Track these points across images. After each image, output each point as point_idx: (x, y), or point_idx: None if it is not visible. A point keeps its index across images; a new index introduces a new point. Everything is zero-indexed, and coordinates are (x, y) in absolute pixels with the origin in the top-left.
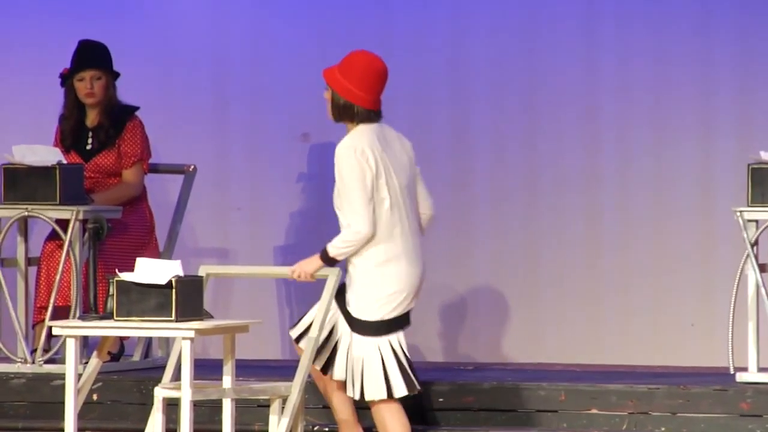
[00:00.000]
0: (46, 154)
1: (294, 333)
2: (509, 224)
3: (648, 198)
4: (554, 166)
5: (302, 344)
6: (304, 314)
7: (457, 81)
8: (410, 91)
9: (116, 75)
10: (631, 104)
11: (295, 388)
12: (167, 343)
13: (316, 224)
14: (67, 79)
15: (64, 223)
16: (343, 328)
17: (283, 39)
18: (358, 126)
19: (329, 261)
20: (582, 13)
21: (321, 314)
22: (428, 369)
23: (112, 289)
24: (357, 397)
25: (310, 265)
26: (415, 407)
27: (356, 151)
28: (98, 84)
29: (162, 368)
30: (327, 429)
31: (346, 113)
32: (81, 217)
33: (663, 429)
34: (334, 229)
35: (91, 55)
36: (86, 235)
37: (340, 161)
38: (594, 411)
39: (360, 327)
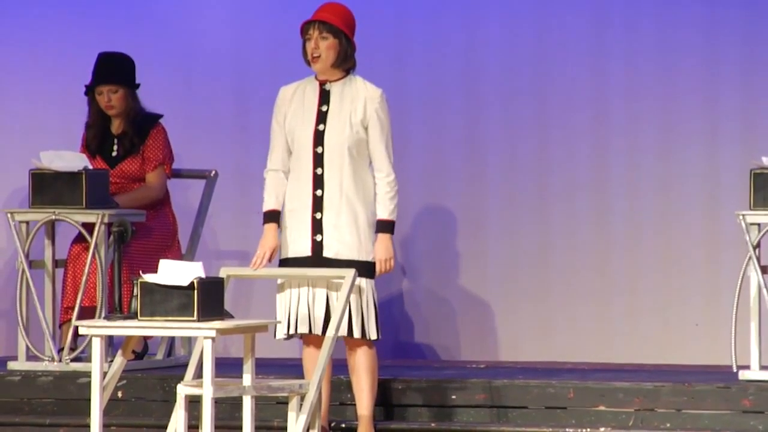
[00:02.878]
0: (73, 160)
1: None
2: (521, 226)
3: (655, 201)
4: (564, 170)
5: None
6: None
7: (470, 88)
8: (425, 98)
9: (135, 86)
10: (639, 110)
11: (313, 386)
12: (189, 342)
13: None
14: (89, 91)
15: (89, 227)
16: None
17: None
18: (353, 74)
19: (392, 227)
20: (591, 22)
21: (339, 313)
22: (441, 367)
23: (136, 290)
24: (375, 336)
25: (389, 249)
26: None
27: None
28: (116, 97)
29: (184, 366)
30: (343, 425)
31: (350, 59)
32: (106, 220)
33: (668, 425)
34: None
35: (108, 70)
36: (111, 238)
37: (387, 111)
38: (601, 408)
39: (368, 270)
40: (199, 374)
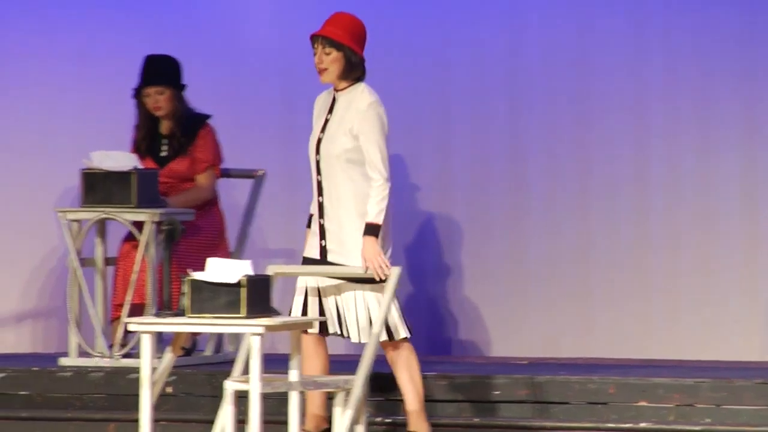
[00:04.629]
0: (123, 160)
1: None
2: (562, 225)
3: (694, 201)
4: (604, 170)
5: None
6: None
7: (512, 89)
8: (469, 100)
9: (182, 87)
10: (678, 111)
11: (358, 382)
12: (237, 338)
13: None
14: (137, 93)
15: (139, 225)
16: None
17: None
18: (362, 83)
19: (377, 230)
20: (630, 25)
21: (384, 312)
22: (484, 363)
23: (185, 288)
24: (406, 334)
25: (371, 250)
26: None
27: (382, 106)
28: (162, 98)
29: (232, 362)
30: (389, 420)
31: (358, 69)
32: (156, 219)
33: (708, 420)
34: (396, 233)
35: (154, 72)
36: (161, 236)
37: (371, 114)
38: (642, 403)
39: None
40: (246, 370)
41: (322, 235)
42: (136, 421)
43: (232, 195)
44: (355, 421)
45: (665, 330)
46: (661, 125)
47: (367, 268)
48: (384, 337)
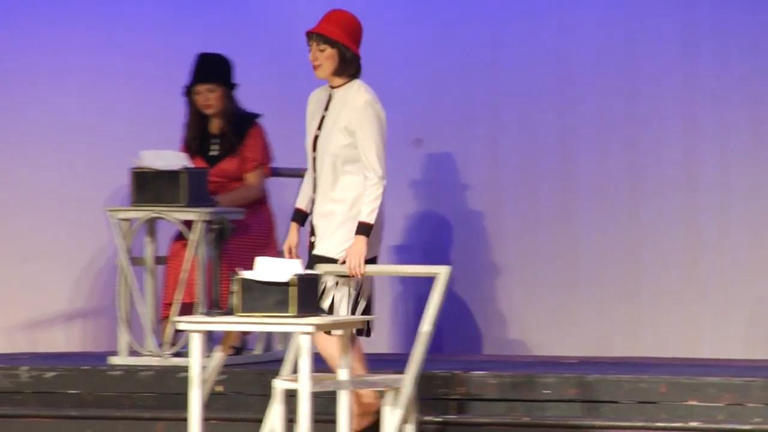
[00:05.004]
0: (173, 159)
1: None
2: (612, 224)
3: (744, 201)
4: (655, 170)
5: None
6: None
7: (562, 88)
8: (518, 99)
9: (233, 86)
10: (729, 111)
11: (408, 380)
12: (286, 337)
13: (428, 226)
14: (187, 91)
15: (189, 224)
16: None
17: (396, 46)
18: (358, 80)
19: (369, 229)
20: (681, 24)
21: (433, 310)
22: (534, 362)
23: (235, 287)
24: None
25: (357, 251)
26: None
27: (379, 103)
28: (213, 96)
29: (281, 361)
30: (439, 419)
31: (352, 65)
32: (205, 218)
33: (758, 420)
34: (446, 231)
35: (205, 70)
36: (210, 235)
37: (368, 112)
38: (693, 402)
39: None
40: (295, 369)
41: (312, 231)
42: (185, 420)
43: (282, 194)
44: (404, 420)
45: (715, 329)
46: (711, 125)
47: (344, 262)
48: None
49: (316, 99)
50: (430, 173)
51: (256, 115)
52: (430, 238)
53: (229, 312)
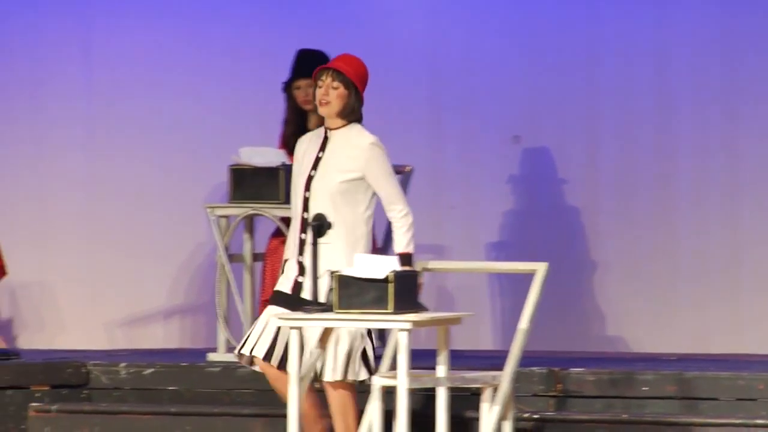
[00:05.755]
0: (271, 156)
1: (247, 350)
2: (711, 222)
3: None
4: (754, 166)
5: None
6: (250, 333)
7: (660, 85)
8: (616, 95)
9: None
10: None
11: (506, 377)
12: (384, 334)
13: (525, 223)
14: (287, 87)
15: (287, 221)
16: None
17: (494, 45)
18: (358, 124)
19: (410, 258)
20: None
21: (531, 307)
22: (633, 359)
23: (333, 283)
24: (363, 377)
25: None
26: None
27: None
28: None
29: (379, 358)
30: (537, 416)
31: (355, 113)
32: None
33: None
34: (542, 228)
35: (306, 65)
36: (309, 232)
37: (375, 151)
38: None
39: None
40: (393, 366)
41: (301, 271)
42: (284, 416)
43: None
44: (502, 417)
45: None
46: None
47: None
48: (335, 375)
49: (307, 141)
50: (528, 169)
51: None
52: (527, 234)
53: (327, 308)
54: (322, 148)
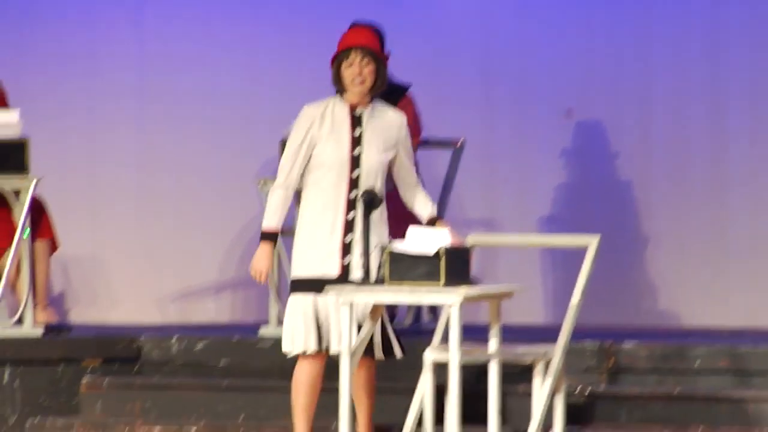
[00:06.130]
0: None
1: (299, 348)
2: (764, 197)
3: None
4: None
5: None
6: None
7: (714, 59)
8: (671, 68)
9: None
10: None
11: (557, 352)
12: (436, 308)
13: (577, 197)
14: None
15: None
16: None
17: (546, 19)
18: (377, 97)
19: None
20: None
21: (583, 281)
22: (685, 333)
23: (385, 258)
24: (400, 354)
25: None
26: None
27: None
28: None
29: (431, 332)
30: (588, 391)
31: (385, 83)
32: None
33: None
34: (595, 202)
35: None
36: (359, 205)
37: (406, 127)
38: None
39: None
40: (445, 340)
41: (347, 250)
42: (336, 390)
43: (432, 164)
44: (554, 392)
45: None
46: None
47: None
48: (378, 354)
49: (329, 116)
50: (580, 143)
51: (407, 86)
52: (579, 208)
53: (379, 283)
54: (357, 125)
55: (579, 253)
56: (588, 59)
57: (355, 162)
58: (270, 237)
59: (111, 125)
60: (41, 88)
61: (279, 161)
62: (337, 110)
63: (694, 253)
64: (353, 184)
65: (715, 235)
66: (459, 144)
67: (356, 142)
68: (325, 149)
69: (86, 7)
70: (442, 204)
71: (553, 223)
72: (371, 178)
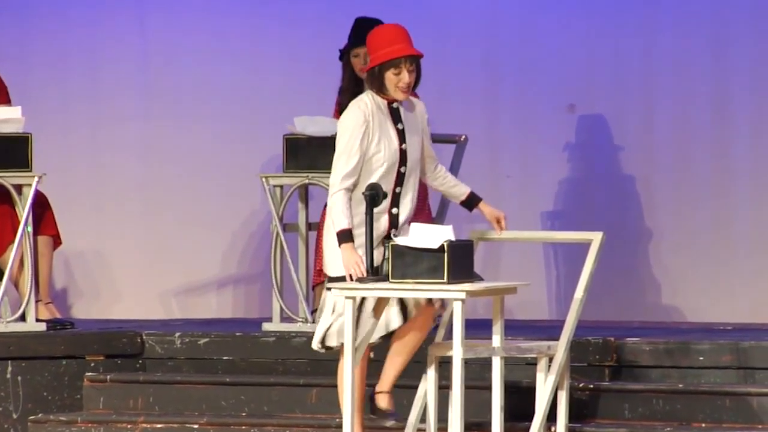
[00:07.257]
0: (326, 125)
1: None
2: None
3: None
4: None
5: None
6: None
7: (718, 51)
8: (673, 62)
9: None
10: None
11: (561, 347)
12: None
13: (581, 191)
14: (344, 54)
15: None
16: None
17: (550, 13)
18: None
19: None
20: None
21: (587, 276)
22: (689, 329)
23: (388, 253)
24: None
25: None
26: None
27: None
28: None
29: (435, 328)
30: (592, 386)
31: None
32: None
33: None
34: (598, 197)
35: (365, 32)
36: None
37: (426, 115)
38: None
39: None
40: (449, 335)
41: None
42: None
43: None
44: (557, 387)
45: None
46: None
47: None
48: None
49: (376, 112)
50: (584, 137)
51: None
52: (583, 202)
53: (382, 278)
54: (398, 120)
55: (582, 249)
56: (592, 54)
57: (403, 156)
58: (348, 237)
59: (114, 121)
60: (44, 83)
61: (283, 157)
62: (379, 106)
63: (698, 248)
64: (400, 178)
65: (719, 230)
66: (462, 139)
67: (402, 136)
68: (379, 147)
69: (89, 1)
70: (444, 199)
71: (556, 218)
72: (415, 170)
